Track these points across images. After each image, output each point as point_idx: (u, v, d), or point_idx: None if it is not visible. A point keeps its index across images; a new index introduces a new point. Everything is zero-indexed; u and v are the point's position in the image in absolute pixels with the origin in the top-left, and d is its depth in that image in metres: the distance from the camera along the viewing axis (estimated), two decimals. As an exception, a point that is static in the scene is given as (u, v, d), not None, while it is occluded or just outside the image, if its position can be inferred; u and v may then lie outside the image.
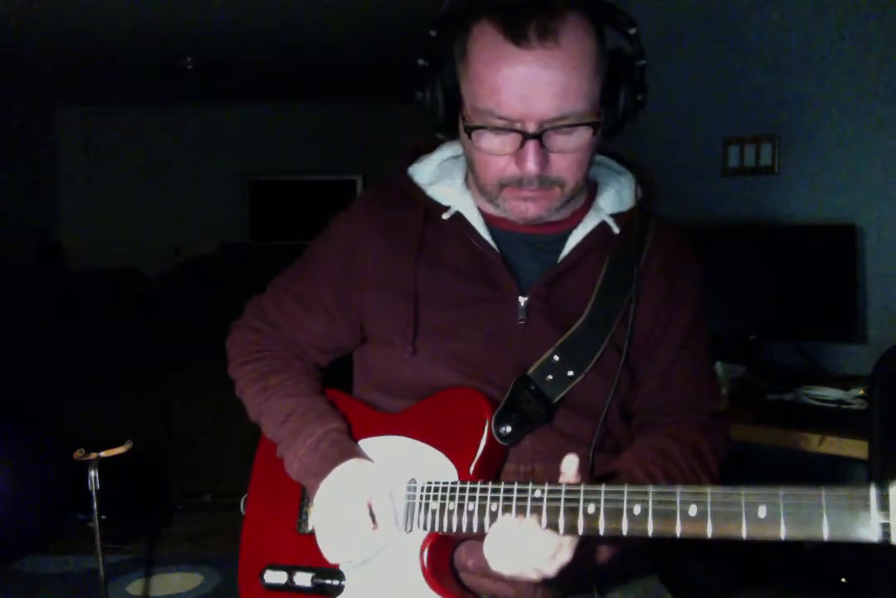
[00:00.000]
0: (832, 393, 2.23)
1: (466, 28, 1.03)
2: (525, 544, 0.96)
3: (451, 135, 1.13)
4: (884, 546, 0.81)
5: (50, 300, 3.64)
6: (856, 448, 1.88)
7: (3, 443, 2.89)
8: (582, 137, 1.03)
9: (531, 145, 1.01)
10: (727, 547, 0.89)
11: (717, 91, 2.89)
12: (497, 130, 1.02)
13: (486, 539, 1.00)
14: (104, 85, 6.21)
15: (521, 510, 0.99)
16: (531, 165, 1.02)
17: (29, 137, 6.74)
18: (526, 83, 0.98)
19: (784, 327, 2.58)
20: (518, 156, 1.03)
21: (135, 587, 2.87)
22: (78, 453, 2.28)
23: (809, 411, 2.18)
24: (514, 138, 1.02)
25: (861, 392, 2.18)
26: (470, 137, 1.05)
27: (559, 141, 1.03)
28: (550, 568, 0.97)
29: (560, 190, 1.07)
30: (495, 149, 1.04)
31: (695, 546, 0.92)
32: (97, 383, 3.46)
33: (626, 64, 1.07)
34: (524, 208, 1.09)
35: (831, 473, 2.34)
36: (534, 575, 0.99)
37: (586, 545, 1.00)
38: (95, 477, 2.26)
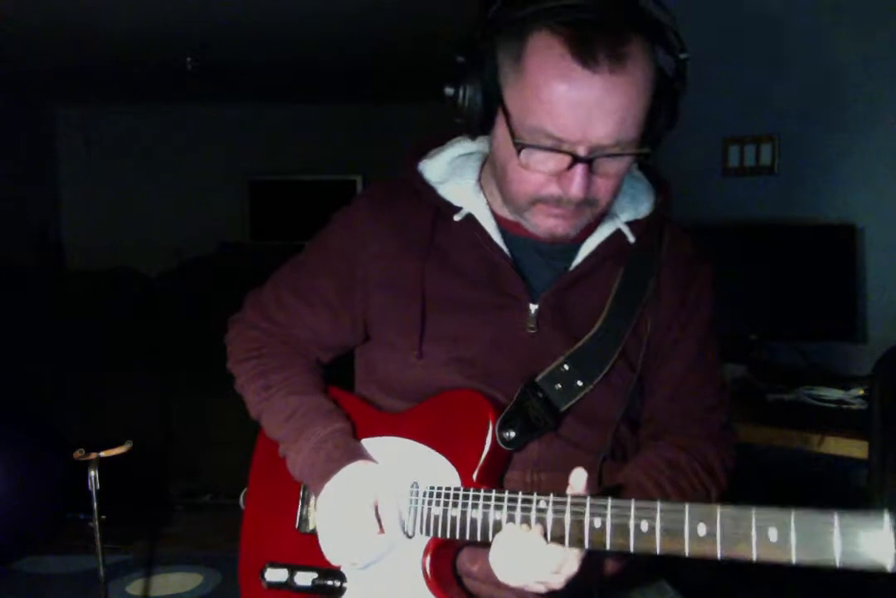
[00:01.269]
0: (832, 393, 2.23)
1: (522, 35, 0.98)
2: (530, 556, 0.95)
3: (477, 135, 1.09)
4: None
5: (50, 300, 3.65)
6: (856, 448, 1.88)
7: (3, 443, 2.89)
8: (625, 161, 1.01)
9: (580, 169, 0.98)
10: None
11: (717, 91, 2.89)
12: (550, 150, 0.98)
13: (492, 550, 0.99)
14: (104, 85, 6.20)
15: (526, 521, 0.98)
16: (577, 190, 0.99)
17: (29, 136, 6.74)
18: (588, 107, 0.94)
19: (784, 327, 2.58)
20: (564, 177, 1.00)
21: (135, 587, 2.87)
22: (78, 453, 2.28)
23: (809, 411, 2.18)
24: (561, 159, 0.98)
25: (861, 392, 2.18)
26: (519, 153, 1.00)
27: (605, 166, 1.00)
28: (556, 581, 0.96)
29: (591, 210, 1.05)
30: (538, 166, 1.01)
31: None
32: (97, 383, 3.46)
33: (669, 88, 1.03)
34: (554, 225, 1.06)
35: (831, 473, 2.34)
36: (541, 588, 0.98)
37: (593, 556, 0.99)
38: (95, 477, 2.26)
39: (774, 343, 2.63)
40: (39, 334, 3.54)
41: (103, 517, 2.29)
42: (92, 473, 2.25)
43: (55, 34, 4.64)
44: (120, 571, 2.95)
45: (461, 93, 1.04)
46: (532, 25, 0.97)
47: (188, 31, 4.63)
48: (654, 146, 1.05)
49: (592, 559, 1.00)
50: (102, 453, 2.29)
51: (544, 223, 1.06)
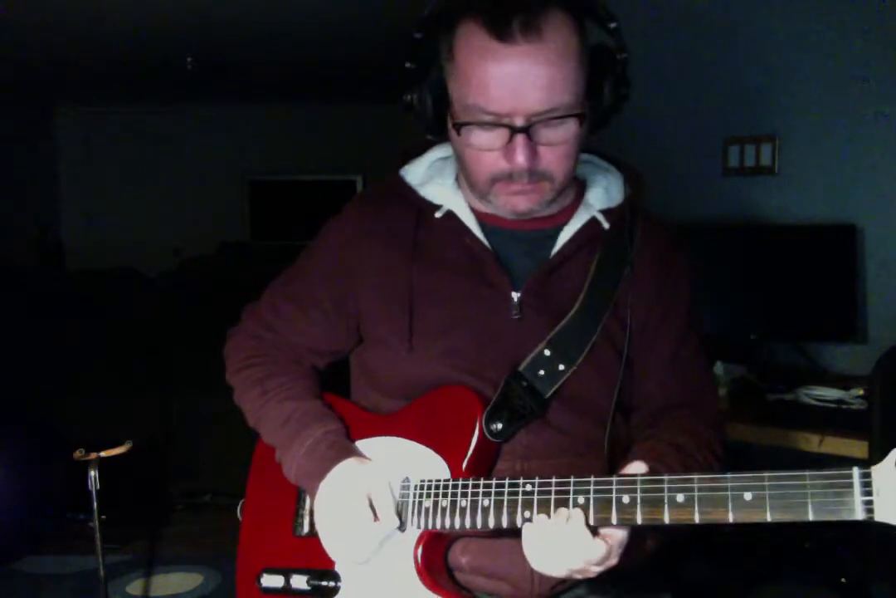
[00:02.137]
0: (832, 393, 2.23)
1: (451, 29, 1.05)
2: (574, 550, 0.96)
3: (442, 136, 1.14)
4: (882, 550, 0.81)
5: (50, 300, 3.65)
6: (856, 448, 1.88)
7: (3, 443, 2.89)
8: (569, 129, 1.05)
9: (520, 139, 1.02)
10: (728, 546, 0.90)
11: (718, 91, 2.89)
12: (485, 125, 1.04)
13: (529, 541, 0.99)
14: (104, 85, 6.21)
15: (512, 506, 0.99)
16: (520, 159, 1.03)
17: (29, 137, 6.75)
18: (513, 78, 1.00)
19: (784, 326, 2.58)
20: (507, 150, 1.04)
21: (135, 587, 2.87)
22: (78, 453, 2.28)
23: (809, 411, 2.18)
24: (502, 133, 1.03)
25: (861, 392, 2.18)
26: (459, 133, 1.06)
27: (547, 134, 1.04)
28: (595, 571, 0.98)
29: (549, 184, 1.08)
30: (484, 144, 1.05)
31: (698, 545, 0.92)
32: (97, 383, 3.46)
33: (609, 58, 1.08)
34: (515, 202, 1.10)
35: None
36: (576, 576, 1.00)
37: (633, 543, 1.01)
38: (95, 477, 2.26)
39: (774, 343, 2.63)
40: (39, 334, 3.54)
41: (103, 517, 2.29)
42: (92, 473, 2.26)
43: (55, 34, 4.65)
44: (120, 571, 2.95)
45: (415, 97, 1.11)
46: (458, 17, 1.04)
47: (188, 31, 4.64)
48: (607, 118, 1.11)
49: (633, 548, 1.01)
50: (102, 453, 2.29)
51: (506, 202, 1.11)
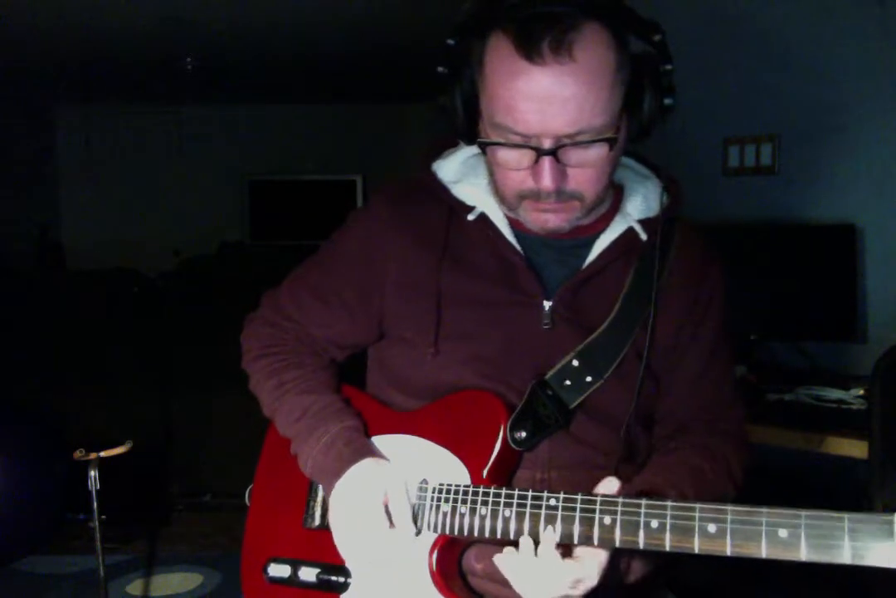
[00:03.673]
0: (832, 393, 2.23)
1: (483, 38, 1.01)
2: (547, 577, 0.96)
3: (474, 143, 1.10)
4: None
5: (50, 300, 3.65)
6: (856, 448, 1.88)
7: (3, 443, 2.89)
8: (600, 151, 1.01)
9: (546, 161, 1.00)
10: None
11: (717, 91, 2.89)
12: (512, 146, 1.01)
13: (505, 573, 0.99)
14: (104, 85, 6.20)
15: (535, 520, 0.98)
16: (546, 181, 1.01)
17: (29, 136, 6.74)
18: (540, 100, 0.96)
19: (784, 326, 2.58)
20: (534, 171, 1.02)
21: (135, 587, 2.87)
22: (78, 453, 2.28)
23: (809, 411, 2.18)
24: (529, 153, 1.01)
25: (861, 392, 2.18)
26: (485, 152, 1.04)
27: (576, 155, 1.01)
28: (577, 594, 0.98)
29: (579, 203, 1.06)
30: (511, 163, 1.03)
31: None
32: (97, 384, 3.46)
33: (652, 69, 1.04)
34: (544, 220, 1.08)
35: (831, 473, 2.34)
36: None
37: (614, 564, 1.00)
38: (95, 477, 2.26)
39: (774, 343, 2.63)
40: (40, 333, 3.54)
41: (103, 517, 2.29)
42: (92, 473, 2.26)
43: (55, 34, 4.64)
44: (120, 571, 2.95)
45: (448, 102, 1.07)
46: (490, 28, 1.00)
47: (188, 31, 4.64)
48: (647, 133, 1.07)
49: (614, 568, 1.00)
50: (102, 453, 2.29)
51: (535, 218, 1.08)
